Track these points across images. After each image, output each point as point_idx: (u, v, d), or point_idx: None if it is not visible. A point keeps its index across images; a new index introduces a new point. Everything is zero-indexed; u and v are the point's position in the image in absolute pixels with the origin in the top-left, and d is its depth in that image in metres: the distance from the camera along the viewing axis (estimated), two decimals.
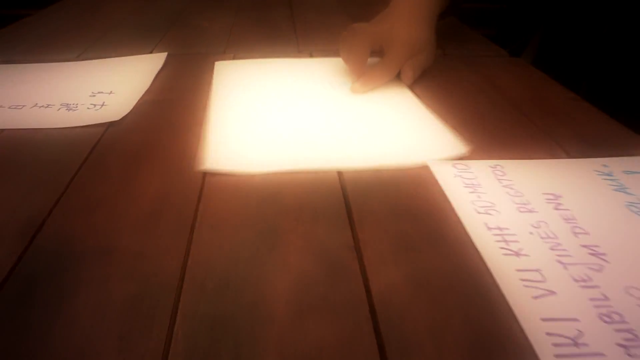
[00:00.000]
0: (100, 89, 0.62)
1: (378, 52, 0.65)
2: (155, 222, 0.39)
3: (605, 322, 0.30)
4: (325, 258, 0.35)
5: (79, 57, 0.76)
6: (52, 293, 0.32)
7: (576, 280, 0.33)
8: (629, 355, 0.28)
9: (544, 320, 0.30)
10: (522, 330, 0.30)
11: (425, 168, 0.46)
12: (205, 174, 0.45)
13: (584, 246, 0.36)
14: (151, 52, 0.78)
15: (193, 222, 0.39)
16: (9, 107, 0.58)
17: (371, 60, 0.65)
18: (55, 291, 0.32)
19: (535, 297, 0.32)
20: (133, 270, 0.34)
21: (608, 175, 0.45)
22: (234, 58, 0.75)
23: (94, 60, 0.74)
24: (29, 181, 0.44)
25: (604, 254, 0.35)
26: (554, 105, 0.59)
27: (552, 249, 0.36)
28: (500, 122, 0.55)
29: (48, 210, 0.40)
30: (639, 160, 0.47)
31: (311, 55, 0.76)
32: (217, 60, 0.73)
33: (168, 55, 0.74)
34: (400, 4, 0.68)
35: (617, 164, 0.46)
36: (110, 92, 0.61)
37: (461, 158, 0.47)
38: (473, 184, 0.43)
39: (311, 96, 0.61)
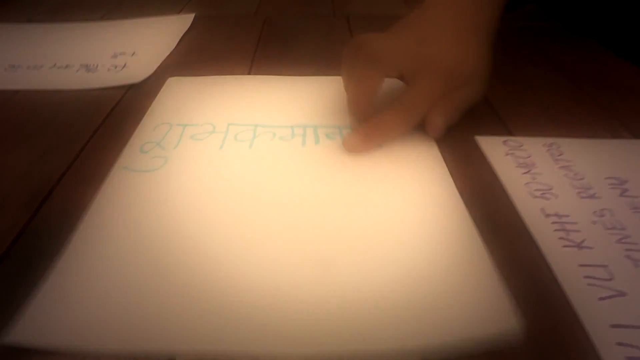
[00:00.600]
0: (123, 50, 0.59)
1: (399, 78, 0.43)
2: None
3: None
4: None
5: (103, 18, 0.73)
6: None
7: None
8: None
9: (614, 327, 0.26)
10: (587, 338, 0.25)
11: (472, 144, 0.41)
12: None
13: None
14: (179, 13, 0.74)
15: None
16: (27, 67, 0.55)
17: (395, 83, 0.43)
18: None
19: (602, 299, 0.27)
20: None
21: None
22: (264, 23, 0.70)
23: (117, 21, 0.70)
24: (42, 146, 0.41)
25: None
26: (615, 80, 0.53)
27: (619, 242, 0.31)
28: (554, 97, 0.49)
29: (57, 177, 0.37)
30: None
31: (348, 20, 0.71)
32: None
33: (195, 17, 0.70)
34: (438, 3, 0.44)
35: None
36: (133, 54, 0.58)
37: (512, 134, 0.42)
38: (527, 164, 0.38)
39: (277, 164, 0.38)
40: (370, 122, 0.40)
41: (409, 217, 0.33)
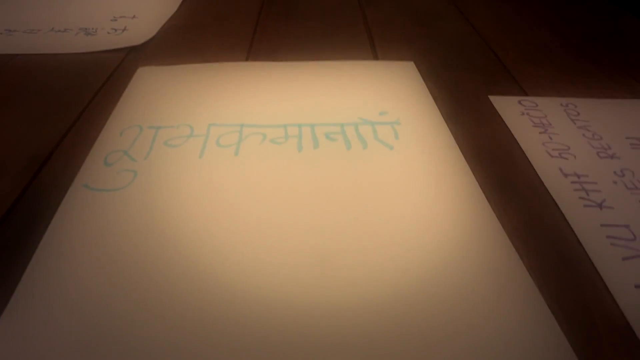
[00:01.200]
0: (123, 13, 0.57)
1: None
2: None
3: None
4: None
5: None
6: None
7: None
8: None
9: (639, 287, 0.25)
10: (611, 298, 0.24)
11: (486, 104, 0.39)
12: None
13: None
14: None
15: None
16: (24, 32, 0.53)
17: None
18: None
19: (626, 259, 0.26)
20: None
21: None
22: None
23: None
24: (40, 110, 0.39)
25: None
26: (634, 40, 0.51)
27: None
28: (570, 57, 0.48)
29: (57, 141, 0.36)
30: None
31: None
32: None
33: None
34: None
35: None
36: (133, 17, 0.56)
37: (526, 94, 0.41)
38: (543, 124, 0.37)
39: (269, 178, 0.31)
40: None
41: (435, 235, 0.27)
